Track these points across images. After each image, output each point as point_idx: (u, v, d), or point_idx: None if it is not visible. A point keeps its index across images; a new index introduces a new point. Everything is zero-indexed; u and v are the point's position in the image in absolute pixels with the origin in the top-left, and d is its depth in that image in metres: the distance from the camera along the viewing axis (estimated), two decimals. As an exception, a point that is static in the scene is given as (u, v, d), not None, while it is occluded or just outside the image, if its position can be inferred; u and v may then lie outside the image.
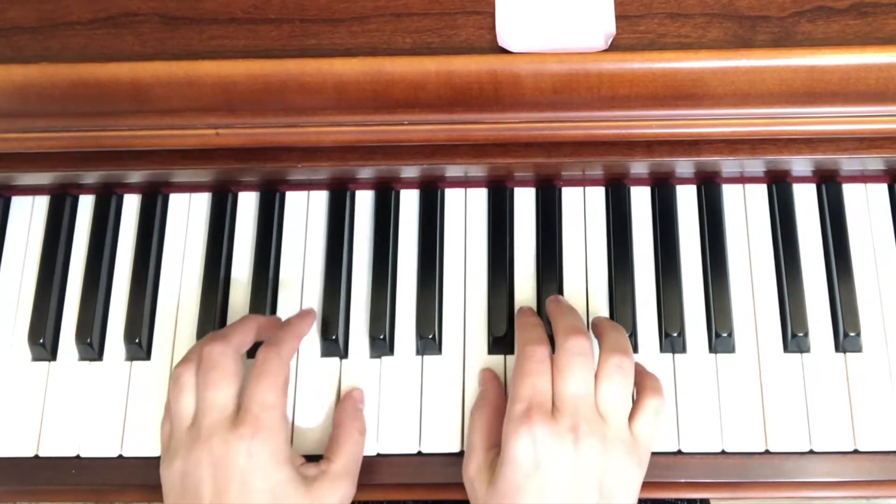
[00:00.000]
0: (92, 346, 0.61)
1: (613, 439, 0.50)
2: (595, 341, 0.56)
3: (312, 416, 0.59)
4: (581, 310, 0.61)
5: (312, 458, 0.56)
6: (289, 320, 0.60)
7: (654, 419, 0.53)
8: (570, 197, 0.64)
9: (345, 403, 0.58)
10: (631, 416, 0.53)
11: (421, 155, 0.59)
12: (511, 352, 0.60)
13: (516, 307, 0.61)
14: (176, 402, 0.54)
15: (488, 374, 0.59)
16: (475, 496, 0.52)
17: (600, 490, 0.49)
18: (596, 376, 0.52)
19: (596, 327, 0.58)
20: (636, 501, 0.52)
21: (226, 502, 0.50)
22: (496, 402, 0.56)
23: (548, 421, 0.50)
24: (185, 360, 0.55)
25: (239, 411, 0.52)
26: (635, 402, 0.54)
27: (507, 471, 0.50)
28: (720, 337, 0.59)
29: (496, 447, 0.53)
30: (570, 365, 0.51)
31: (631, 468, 0.51)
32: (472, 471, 0.53)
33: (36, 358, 0.62)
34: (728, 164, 0.61)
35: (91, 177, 0.63)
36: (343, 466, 0.55)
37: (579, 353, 0.52)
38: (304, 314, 0.61)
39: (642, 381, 0.55)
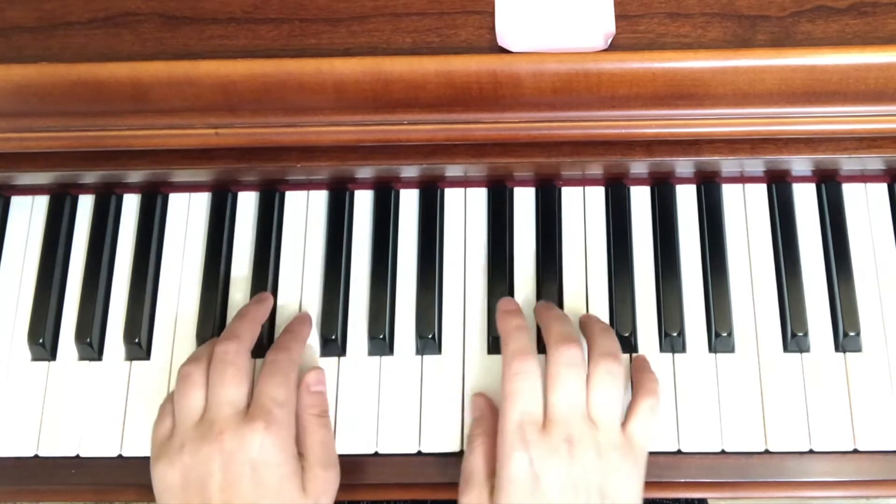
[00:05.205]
0: (91, 346, 0.61)
1: (607, 444, 0.50)
2: (584, 343, 0.56)
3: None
4: (581, 310, 0.61)
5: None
6: (290, 326, 0.60)
7: (650, 418, 0.53)
8: (570, 197, 0.64)
9: (299, 393, 0.57)
10: (626, 417, 0.53)
11: (420, 155, 0.59)
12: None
13: (516, 307, 0.61)
14: (184, 399, 0.53)
15: (483, 401, 0.57)
16: None
17: (601, 494, 0.49)
18: (587, 383, 0.52)
19: (585, 327, 0.57)
20: (641, 500, 0.52)
21: (235, 496, 0.50)
22: (493, 431, 0.54)
23: (541, 435, 0.50)
24: (194, 359, 0.55)
25: (250, 407, 0.53)
26: (631, 403, 0.54)
27: (508, 491, 0.49)
28: (720, 336, 0.59)
29: (494, 477, 0.52)
30: (563, 377, 0.51)
31: (629, 470, 0.51)
32: (473, 498, 0.52)
33: (35, 358, 0.62)
34: (728, 164, 0.61)
35: (91, 177, 0.63)
36: (315, 458, 0.54)
37: (571, 363, 0.52)
38: (304, 319, 0.61)
39: (640, 380, 0.56)
